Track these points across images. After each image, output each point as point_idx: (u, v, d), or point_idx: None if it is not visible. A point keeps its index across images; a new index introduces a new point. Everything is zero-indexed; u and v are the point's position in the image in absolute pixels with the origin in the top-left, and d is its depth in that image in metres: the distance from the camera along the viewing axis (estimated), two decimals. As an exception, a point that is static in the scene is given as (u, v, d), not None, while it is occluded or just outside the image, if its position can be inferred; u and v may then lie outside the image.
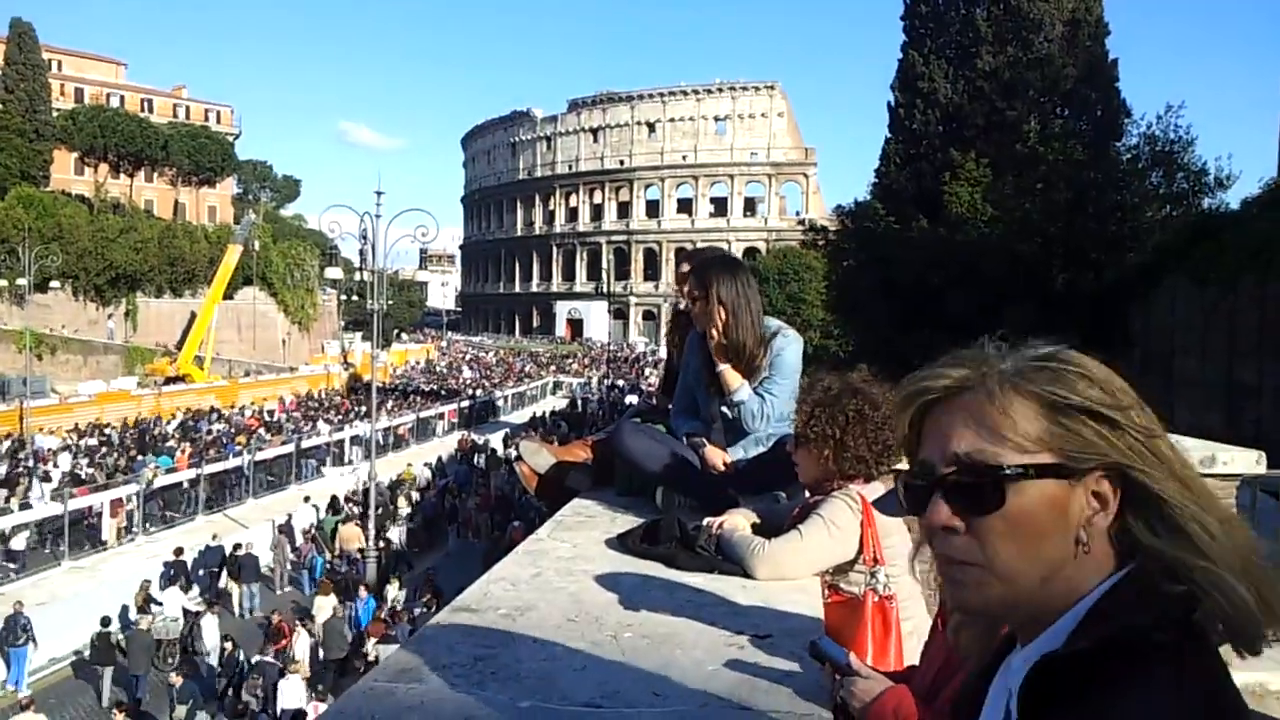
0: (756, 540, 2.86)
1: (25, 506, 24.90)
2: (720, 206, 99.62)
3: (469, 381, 64.00)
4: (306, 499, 27.81)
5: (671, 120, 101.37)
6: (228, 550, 22.80)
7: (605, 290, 78.66)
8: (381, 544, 24.05)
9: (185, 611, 19.65)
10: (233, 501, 28.93)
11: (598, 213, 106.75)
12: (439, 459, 35.66)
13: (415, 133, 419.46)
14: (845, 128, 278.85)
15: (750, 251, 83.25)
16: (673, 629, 2.35)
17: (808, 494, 3.16)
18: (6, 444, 36.08)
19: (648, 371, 62.21)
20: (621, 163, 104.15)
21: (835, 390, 2.88)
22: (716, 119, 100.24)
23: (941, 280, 25.01)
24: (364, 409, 28.77)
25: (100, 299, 63.40)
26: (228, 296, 64.13)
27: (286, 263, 74.24)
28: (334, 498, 28.01)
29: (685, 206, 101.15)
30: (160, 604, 19.54)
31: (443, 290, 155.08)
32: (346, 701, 1.98)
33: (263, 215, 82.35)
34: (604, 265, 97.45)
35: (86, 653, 18.44)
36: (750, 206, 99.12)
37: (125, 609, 19.62)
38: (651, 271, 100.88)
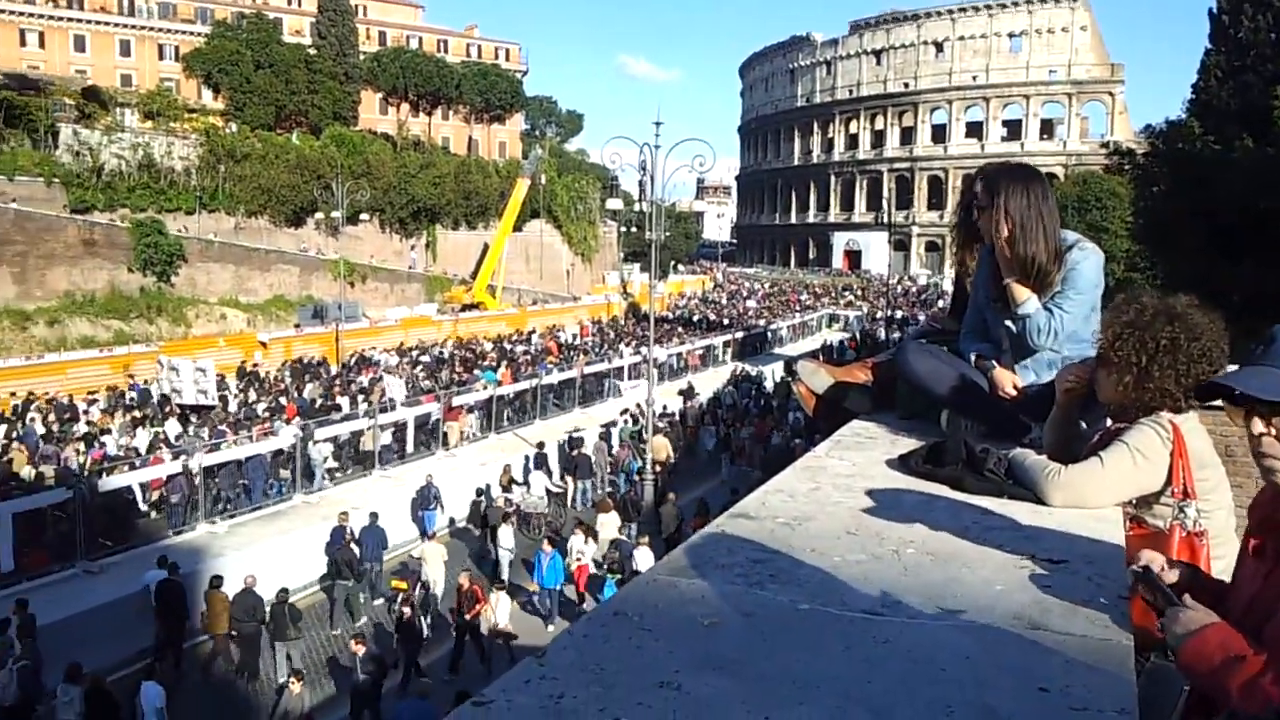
0: (1052, 465, 2.70)
1: (383, 410, 27.61)
2: (1014, 129, 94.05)
3: (751, 312, 64.56)
4: (624, 412, 30.11)
5: (961, 39, 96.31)
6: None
7: (886, 220, 76.46)
8: (657, 468, 24.93)
9: (548, 491, 24.22)
10: (548, 414, 31.51)
11: (879, 139, 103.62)
12: (730, 382, 36.86)
13: (692, 63, 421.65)
14: (1158, 40, 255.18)
15: (1047, 177, 78.25)
16: (957, 548, 2.27)
17: (1109, 422, 2.95)
18: (355, 359, 40.14)
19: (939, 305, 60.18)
20: (906, 86, 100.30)
21: (1150, 313, 2.65)
22: (1011, 35, 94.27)
23: (1269, 206, 22.47)
24: (650, 336, 29.90)
25: (404, 231, 68.17)
26: (516, 229, 67.34)
27: (570, 196, 76.97)
28: (636, 408, 29.91)
29: (974, 130, 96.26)
30: (524, 485, 23.96)
31: (718, 222, 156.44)
32: (631, 590, 2.05)
33: (548, 150, 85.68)
34: (885, 194, 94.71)
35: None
36: (1047, 129, 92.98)
37: (489, 487, 23.20)
38: (936, 200, 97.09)
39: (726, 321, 56.81)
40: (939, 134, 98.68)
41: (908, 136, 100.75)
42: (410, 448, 26.60)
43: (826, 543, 2.28)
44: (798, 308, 67.67)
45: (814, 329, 57.93)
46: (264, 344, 42.98)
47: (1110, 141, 50.57)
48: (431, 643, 16.21)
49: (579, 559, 18.78)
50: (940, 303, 60.13)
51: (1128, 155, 32.59)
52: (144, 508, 21.51)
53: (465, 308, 58.63)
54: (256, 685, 15.76)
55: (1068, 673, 1.61)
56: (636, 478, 25.12)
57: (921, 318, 51.42)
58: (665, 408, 32.78)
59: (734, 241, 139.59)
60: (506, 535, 20.09)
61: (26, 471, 21.72)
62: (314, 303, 54.26)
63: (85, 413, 29.71)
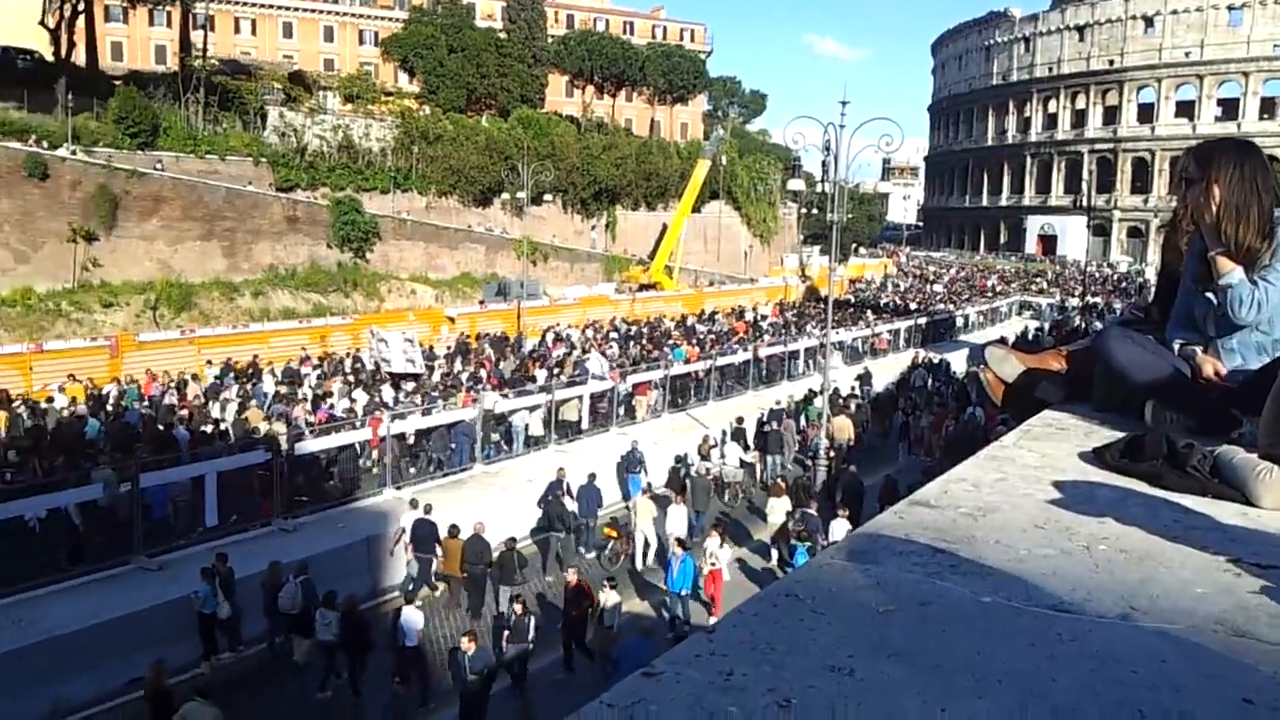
0: (1264, 464, 2.51)
1: (575, 383, 28.61)
2: (1230, 109, 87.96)
3: (938, 296, 63.03)
4: (811, 391, 30.22)
5: (1174, 12, 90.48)
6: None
7: (1085, 204, 72.76)
8: (832, 454, 24.60)
9: (742, 461, 25.26)
10: (728, 394, 32.10)
11: (1080, 119, 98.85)
12: (912, 368, 36.90)
13: (881, 41, 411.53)
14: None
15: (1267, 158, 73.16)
16: (1154, 546, 2.14)
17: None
18: (550, 334, 41.46)
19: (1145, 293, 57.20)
20: (1111, 63, 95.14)
21: None
22: (1230, 8, 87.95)
23: None
24: (828, 319, 29.44)
25: (585, 211, 69.33)
26: (695, 210, 67.48)
27: (751, 177, 76.55)
28: (809, 391, 30.29)
29: (1185, 109, 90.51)
30: (721, 455, 25.03)
31: (904, 204, 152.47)
32: (803, 573, 2.03)
33: (730, 130, 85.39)
34: (1084, 176, 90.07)
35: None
36: (1268, 108, 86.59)
37: (685, 455, 24.15)
38: (1140, 183, 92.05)
39: (914, 306, 55.45)
40: (1146, 114, 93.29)
41: (1111, 116, 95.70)
42: (585, 424, 27.15)
43: (1011, 535, 2.19)
44: (989, 294, 65.43)
45: (1004, 316, 55.94)
46: (451, 319, 44.61)
47: (1341, 120, 46.75)
48: (541, 643, 15.62)
49: (713, 563, 17.81)
50: (1143, 291, 57.18)
51: (1361, 135, 29.93)
52: (365, 464, 22.79)
53: (642, 287, 59.23)
54: (481, 624, 16.63)
55: (1277, 685, 1.50)
56: (810, 461, 24.92)
57: (1118, 306, 48.98)
58: (854, 388, 32.98)
59: (919, 224, 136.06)
60: (677, 516, 19.98)
61: (263, 427, 23.34)
62: (498, 280, 55.90)
63: (306, 376, 31.68)
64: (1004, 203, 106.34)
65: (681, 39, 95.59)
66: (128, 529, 16.80)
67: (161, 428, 23.53)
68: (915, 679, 1.49)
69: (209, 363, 32.98)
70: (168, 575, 15.84)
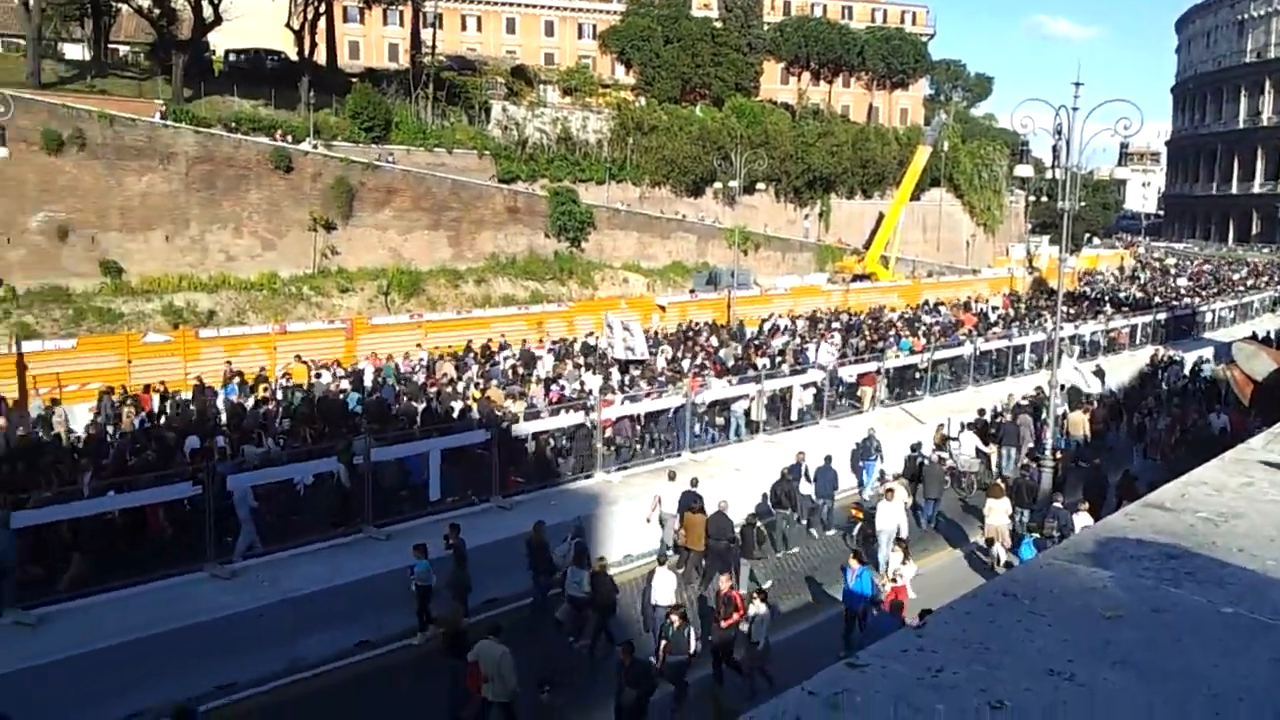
0: None
1: (797, 371, 28.84)
2: None
3: (1182, 290, 59.08)
4: (1037, 388, 29.08)
5: None
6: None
7: (1351, 190, 66.40)
8: (1059, 454, 23.39)
9: (978, 451, 24.94)
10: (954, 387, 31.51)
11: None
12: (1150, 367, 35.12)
13: (1119, 18, 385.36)
14: None
15: None
16: None
17: None
18: (769, 324, 41.53)
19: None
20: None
21: None
22: None
23: None
24: (1058, 313, 27.92)
25: (798, 200, 68.75)
26: (914, 198, 65.73)
27: (974, 163, 73.83)
28: (1038, 388, 28.91)
29: None
30: (957, 442, 24.85)
31: (1143, 191, 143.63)
32: (1022, 572, 1.94)
33: (953, 115, 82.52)
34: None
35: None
36: None
37: (919, 444, 23.87)
38: None
39: (1157, 299, 52.00)
40: None
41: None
42: (795, 415, 26.88)
43: (1258, 543, 2.01)
44: (1242, 288, 60.55)
45: (1255, 312, 51.61)
46: (662, 307, 45.11)
47: None
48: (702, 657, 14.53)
49: (896, 579, 16.26)
50: None
51: None
52: (598, 446, 23.46)
53: (856, 278, 58.10)
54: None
55: None
56: (1033, 463, 23.71)
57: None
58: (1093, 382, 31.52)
59: (1160, 213, 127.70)
60: (890, 512, 19.30)
61: (504, 405, 24.55)
62: (709, 269, 56.20)
63: (540, 359, 32.95)
64: (1257, 190, 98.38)
65: (902, 22, 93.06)
66: (389, 494, 18.24)
67: (413, 403, 25.26)
68: (1143, 689, 1.39)
69: (419, 345, 34.65)
70: (393, 545, 16.78)
